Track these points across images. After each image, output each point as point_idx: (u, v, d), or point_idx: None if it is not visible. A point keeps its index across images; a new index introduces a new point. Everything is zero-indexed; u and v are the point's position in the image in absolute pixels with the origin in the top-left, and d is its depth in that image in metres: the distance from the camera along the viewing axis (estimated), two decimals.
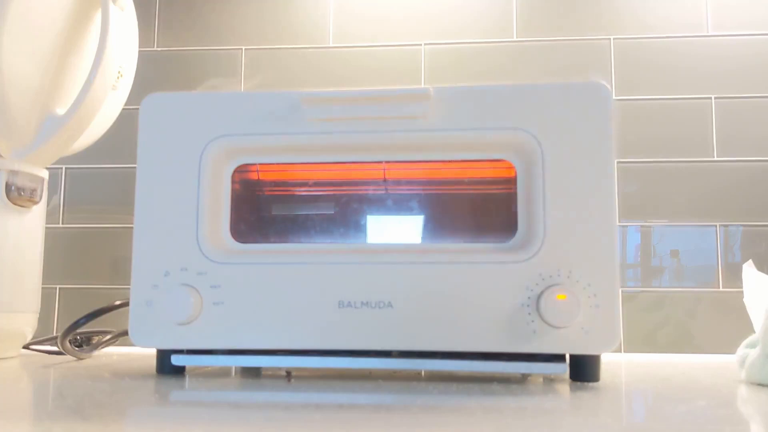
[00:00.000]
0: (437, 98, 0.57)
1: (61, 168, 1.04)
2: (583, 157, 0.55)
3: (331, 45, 1.02)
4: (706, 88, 0.96)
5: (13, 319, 0.74)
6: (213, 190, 0.59)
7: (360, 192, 0.61)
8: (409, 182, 0.61)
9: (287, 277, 0.56)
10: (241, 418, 0.38)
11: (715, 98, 0.96)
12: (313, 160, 0.60)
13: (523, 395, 0.48)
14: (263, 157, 0.60)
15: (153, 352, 0.60)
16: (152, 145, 0.59)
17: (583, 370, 0.55)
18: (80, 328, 0.70)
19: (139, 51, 0.88)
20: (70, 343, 0.69)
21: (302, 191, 0.64)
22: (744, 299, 0.65)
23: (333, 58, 1.02)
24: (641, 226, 0.95)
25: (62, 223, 1.03)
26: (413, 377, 0.59)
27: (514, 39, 1.00)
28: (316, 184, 0.63)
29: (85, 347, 0.76)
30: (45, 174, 0.78)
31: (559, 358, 0.55)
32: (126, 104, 0.86)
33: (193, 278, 0.57)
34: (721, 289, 0.93)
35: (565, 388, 0.53)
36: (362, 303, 0.55)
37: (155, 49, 1.05)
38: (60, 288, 1.01)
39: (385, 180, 0.60)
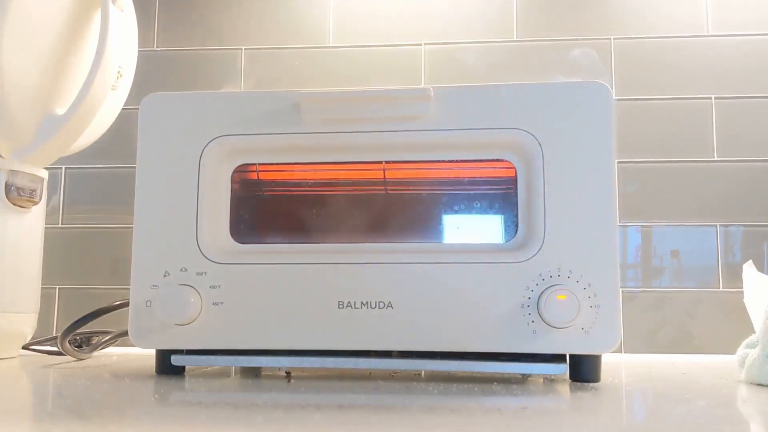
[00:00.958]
0: (437, 98, 0.57)
1: (61, 168, 1.04)
2: (583, 157, 0.55)
3: (331, 45, 1.02)
4: (706, 88, 0.96)
5: (12, 319, 0.74)
6: (213, 190, 0.59)
7: (360, 192, 0.61)
8: (409, 182, 0.61)
9: (287, 277, 0.56)
10: (241, 419, 0.38)
11: (715, 98, 0.96)
12: (312, 160, 0.60)
13: (524, 396, 0.48)
14: (263, 157, 0.60)
15: (153, 352, 0.60)
16: (152, 145, 0.59)
17: (584, 370, 0.55)
18: (80, 329, 0.69)
19: (139, 51, 0.88)
20: (69, 343, 0.69)
21: (302, 191, 0.64)
22: (744, 299, 0.65)
23: (333, 58, 1.02)
24: (641, 226, 0.95)
25: (62, 223, 1.03)
26: (413, 377, 0.59)
27: (514, 39, 1.00)
28: (316, 184, 0.63)
29: (84, 347, 0.76)
30: (45, 174, 0.78)
31: (559, 358, 0.55)
32: (126, 104, 0.86)
33: (192, 278, 0.57)
34: (721, 289, 0.93)
35: (565, 388, 0.52)
36: (362, 303, 0.55)
37: (155, 49, 1.05)
38: (60, 288, 1.01)
39: (384, 180, 0.60)
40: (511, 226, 0.57)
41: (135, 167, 0.59)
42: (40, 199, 0.77)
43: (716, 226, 0.94)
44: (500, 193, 0.60)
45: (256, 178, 0.63)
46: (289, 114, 0.58)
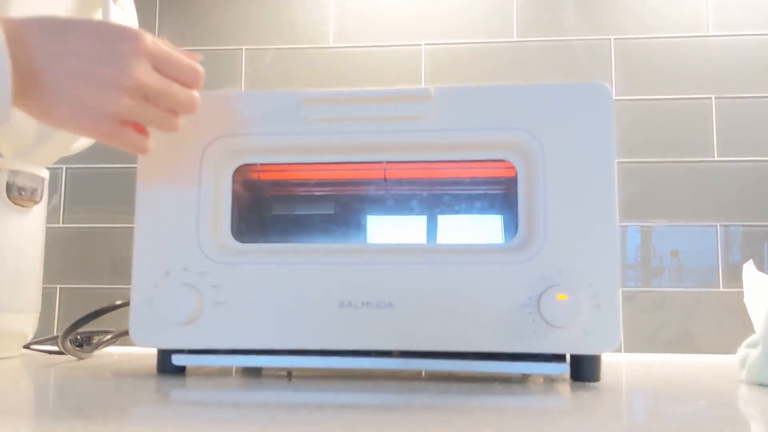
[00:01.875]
0: (438, 98, 0.57)
1: (62, 168, 1.04)
2: (583, 157, 0.55)
3: (332, 45, 1.02)
4: (706, 88, 0.96)
5: (13, 319, 0.74)
6: (214, 189, 0.59)
7: (361, 192, 0.62)
8: (410, 182, 0.61)
9: (288, 277, 0.56)
10: (241, 418, 0.38)
11: (716, 98, 0.96)
12: (313, 160, 0.60)
13: (524, 395, 0.48)
14: (264, 157, 0.60)
15: (154, 351, 0.60)
16: (154, 144, 0.59)
17: (584, 370, 0.55)
18: (81, 328, 0.69)
19: None
20: (70, 342, 0.69)
21: (303, 191, 0.64)
22: (744, 299, 0.65)
23: (333, 58, 1.02)
24: (641, 226, 0.95)
25: (63, 223, 1.03)
26: (414, 377, 0.59)
27: (515, 39, 1.00)
28: (317, 184, 0.63)
29: (85, 347, 0.76)
30: (45, 174, 0.78)
31: (559, 358, 0.55)
32: None
33: (194, 278, 0.57)
34: (721, 289, 0.93)
35: (565, 388, 0.53)
36: (363, 303, 0.55)
37: None
38: (60, 288, 1.01)
39: (385, 180, 0.60)
40: (512, 226, 0.57)
41: (135, 167, 0.59)
42: (41, 198, 0.77)
43: (716, 226, 0.94)
44: (501, 193, 0.60)
45: (258, 178, 0.63)
46: (290, 114, 0.58)
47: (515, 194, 0.57)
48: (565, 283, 0.54)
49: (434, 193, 0.61)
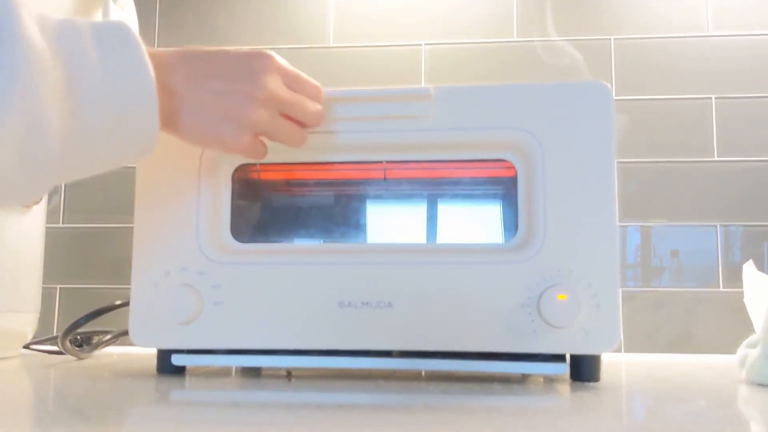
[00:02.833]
0: (438, 98, 0.57)
1: None
2: (583, 157, 0.55)
3: (331, 45, 1.02)
4: (706, 88, 0.96)
5: (13, 319, 0.74)
6: (213, 189, 0.59)
7: (360, 192, 0.61)
8: (410, 182, 0.61)
9: (287, 277, 0.56)
10: (241, 418, 0.38)
11: (716, 98, 0.96)
12: (313, 160, 0.60)
13: (524, 395, 0.48)
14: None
15: (153, 351, 0.60)
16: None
17: (584, 370, 0.55)
18: (80, 328, 0.69)
19: None
20: (70, 342, 0.69)
21: (303, 191, 0.64)
22: (744, 299, 0.65)
23: (333, 58, 1.02)
24: (641, 226, 0.95)
25: (62, 223, 1.03)
26: (414, 377, 0.59)
27: (515, 39, 1.00)
28: (317, 184, 0.63)
29: (85, 347, 0.76)
30: None
31: (559, 358, 0.55)
32: None
33: (193, 278, 0.57)
34: (721, 289, 0.93)
35: (565, 388, 0.53)
36: (362, 303, 0.55)
37: (155, 48, 1.05)
38: (60, 288, 1.01)
39: (385, 180, 0.60)
40: (512, 226, 0.57)
41: (135, 167, 0.59)
42: (41, 198, 0.77)
43: (716, 226, 0.94)
44: (500, 193, 0.60)
45: (257, 177, 0.63)
46: None
47: (515, 194, 0.57)
48: (564, 282, 0.54)
49: (434, 192, 0.61)
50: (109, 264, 1.01)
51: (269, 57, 0.53)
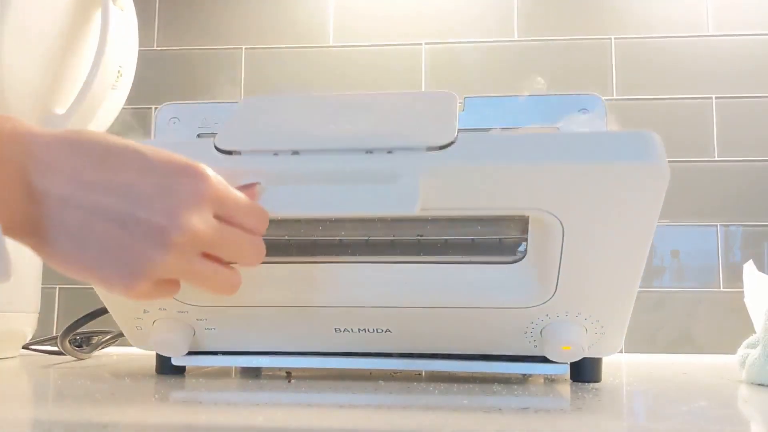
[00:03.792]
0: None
1: None
2: (614, 236, 0.47)
3: (332, 44, 1.02)
4: (706, 88, 0.96)
5: (12, 319, 0.74)
6: None
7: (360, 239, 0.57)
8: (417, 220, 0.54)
9: (280, 312, 0.54)
10: (241, 419, 0.38)
11: (716, 98, 0.96)
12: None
13: (524, 395, 0.48)
14: None
15: (153, 352, 0.59)
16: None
17: (584, 370, 0.55)
18: (80, 328, 0.69)
19: (139, 50, 0.88)
20: (69, 343, 0.69)
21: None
22: (744, 299, 0.65)
23: (333, 58, 1.02)
24: None
25: None
26: (414, 378, 0.59)
27: (515, 39, 1.00)
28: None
29: (84, 347, 0.76)
30: None
31: None
32: (125, 104, 0.86)
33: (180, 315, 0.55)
34: (721, 289, 0.93)
35: (566, 388, 0.52)
36: (360, 329, 0.55)
37: (155, 48, 1.05)
38: (60, 288, 1.01)
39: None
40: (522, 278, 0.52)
41: None
42: None
43: (716, 226, 0.94)
44: (509, 244, 0.54)
45: None
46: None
47: (525, 250, 0.51)
48: (572, 321, 0.51)
49: (439, 238, 0.54)
50: None
51: (203, 178, 0.37)
